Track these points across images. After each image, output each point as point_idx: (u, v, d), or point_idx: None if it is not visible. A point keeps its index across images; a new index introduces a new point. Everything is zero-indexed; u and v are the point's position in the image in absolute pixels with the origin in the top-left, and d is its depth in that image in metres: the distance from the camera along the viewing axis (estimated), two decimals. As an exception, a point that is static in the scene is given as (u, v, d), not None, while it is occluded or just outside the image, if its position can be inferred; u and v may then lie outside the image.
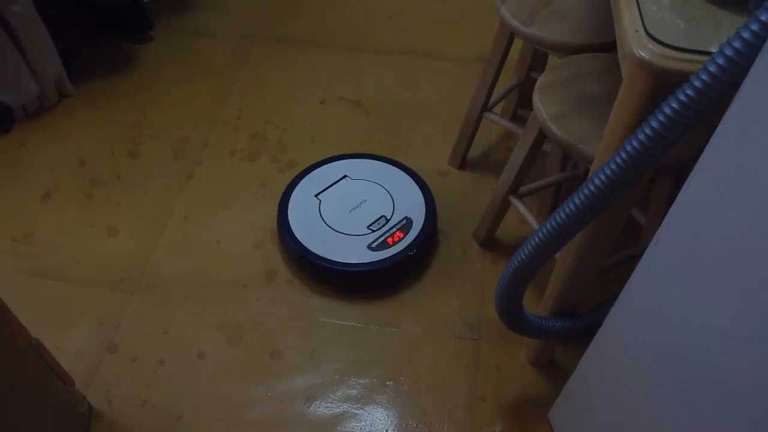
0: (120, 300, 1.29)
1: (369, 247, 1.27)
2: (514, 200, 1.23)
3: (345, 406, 1.15)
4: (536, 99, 1.02)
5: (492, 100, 1.40)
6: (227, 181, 1.51)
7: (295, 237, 1.29)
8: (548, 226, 0.80)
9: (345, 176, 1.41)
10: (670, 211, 0.67)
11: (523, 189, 1.23)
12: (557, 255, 1.02)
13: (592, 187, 0.72)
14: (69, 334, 1.24)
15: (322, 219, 1.33)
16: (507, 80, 1.47)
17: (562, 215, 0.77)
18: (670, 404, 0.75)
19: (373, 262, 1.25)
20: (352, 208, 1.35)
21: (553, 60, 1.30)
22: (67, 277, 1.33)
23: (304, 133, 1.62)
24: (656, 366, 0.76)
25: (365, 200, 1.36)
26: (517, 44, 1.30)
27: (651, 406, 0.79)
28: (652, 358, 0.77)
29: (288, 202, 1.36)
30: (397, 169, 1.43)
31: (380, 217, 1.32)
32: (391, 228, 1.30)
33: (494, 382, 1.18)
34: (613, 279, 0.95)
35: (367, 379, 1.18)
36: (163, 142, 1.59)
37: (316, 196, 1.37)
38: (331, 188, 1.39)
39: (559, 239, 0.81)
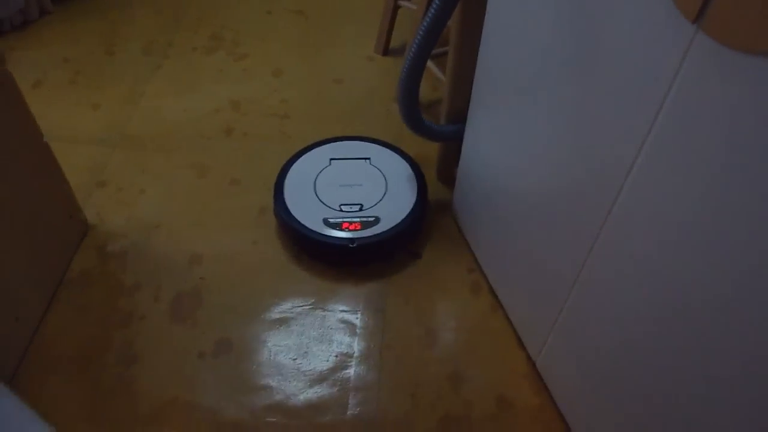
0: (105, 152, 1.57)
1: (324, 220, 1.32)
2: (402, 3, 1.59)
3: (291, 212, 1.45)
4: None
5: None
6: (191, 68, 1.80)
7: (284, 179, 1.40)
8: (424, 22, 1.11)
9: (368, 158, 1.45)
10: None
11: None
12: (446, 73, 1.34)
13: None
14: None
15: (315, 178, 1.40)
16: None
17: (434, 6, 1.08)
18: (524, 143, 1.06)
19: (317, 233, 1.30)
20: (346, 183, 1.39)
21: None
22: (58, 138, 1.59)
23: (253, 35, 1.93)
24: (504, 121, 1.09)
25: (362, 185, 1.39)
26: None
27: (514, 160, 1.11)
28: (501, 110, 1.10)
29: (308, 151, 1.47)
30: (416, 181, 1.41)
31: (357, 204, 1.35)
32: (356, 217, 1.32)
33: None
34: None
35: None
36: (134, 44, 1.88)
37: (331, 159, 1.45)
38: (347, 160, 1.44)
39: (434, 30, 1.12)
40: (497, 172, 1.17)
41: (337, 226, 1.31)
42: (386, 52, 1.85)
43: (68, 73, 1.78)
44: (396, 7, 1.75)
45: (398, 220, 1.33)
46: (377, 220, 1.32)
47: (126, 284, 1.31)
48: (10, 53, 1.84)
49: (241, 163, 1.55)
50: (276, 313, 1.27)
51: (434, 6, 1.07)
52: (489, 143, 1.19)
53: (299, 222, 1.31)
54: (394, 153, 1.48)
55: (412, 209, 1.36)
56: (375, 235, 1.30)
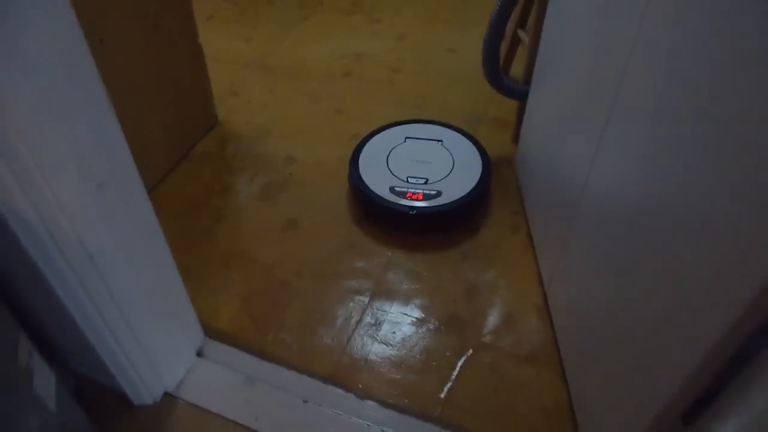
0: (246, 72, 1.92)
1: (390, 188, 1.42)
2: None
3: (377, 141, 1.69)
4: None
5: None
6: (331, 24, 2.12)
7: (362, 147, 1.54)
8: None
9: (441, 140, 1.55)
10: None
11: None
12: (523, 38, 1.52)
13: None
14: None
15: (390, 150, 1.52)
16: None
17: None
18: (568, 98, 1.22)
19: (381, 197, 1.40)
20: (416, 160, 1.49)
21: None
22: (214, 58, 1.97)
23: (390, 6, 2.21)
24: (559, 79, 1.25)
25: (431, 162, 1.49)
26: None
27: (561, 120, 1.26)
28: (556, 71, 1.26)
29: (388, 128, 1.59)
30: (481, 162, 1.50)
31: (423, 178, 1.45)
32: (420, 189, 1.42)
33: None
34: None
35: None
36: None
37: (406, 137, 1.56)
38: (421, 140, 1.55)
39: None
40: (545, 128, 1.32)
41: (402, 195, 1.41)
42: (501, 34, 2.04)
43: (233, 13, 2.17)
44: (515, -6, 1.93)
45: (457, 197, 1.41)
46: (439, 194, 1.41)
47: (233, 167, 1.62)
48: (197, -7, 2.27)
49: (349, 98, 1.82)
50: (340, 212, 1.51)
51: None
52: (543, 106, 1.35)
53: (368, 187, 1.43)
54: (466, 139, 1.57)
55: (472, 189, 1.43)
56: (434, 207, 1.39)
